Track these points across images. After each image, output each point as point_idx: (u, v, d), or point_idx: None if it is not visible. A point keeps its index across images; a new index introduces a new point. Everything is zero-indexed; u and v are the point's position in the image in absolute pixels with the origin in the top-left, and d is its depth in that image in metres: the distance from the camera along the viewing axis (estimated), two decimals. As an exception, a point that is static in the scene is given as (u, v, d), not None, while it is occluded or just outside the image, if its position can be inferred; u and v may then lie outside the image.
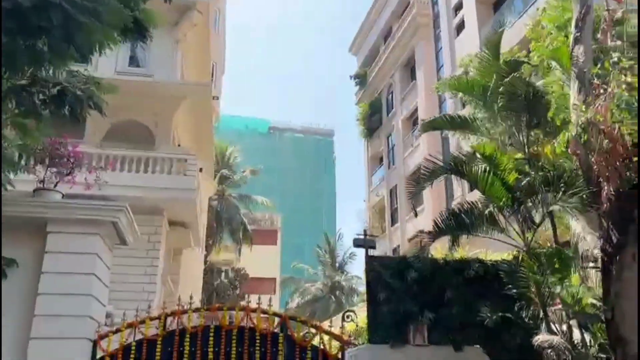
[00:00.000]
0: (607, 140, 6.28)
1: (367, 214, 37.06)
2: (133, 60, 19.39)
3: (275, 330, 8.47)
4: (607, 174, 6.35)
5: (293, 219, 59.46)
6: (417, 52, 32.03)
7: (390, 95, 35.37)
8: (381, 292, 8.73)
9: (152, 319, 8.22)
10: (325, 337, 8.56)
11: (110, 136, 16.99)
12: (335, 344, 8.70)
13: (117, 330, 8.08)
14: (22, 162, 8.33)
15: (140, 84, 17.25)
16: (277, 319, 8.57)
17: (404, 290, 8.79)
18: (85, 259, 7.74)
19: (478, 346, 8.87)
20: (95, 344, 7.83)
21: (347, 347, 8.99)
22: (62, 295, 7.44)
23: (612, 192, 6.38)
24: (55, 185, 8.38)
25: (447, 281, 8.97)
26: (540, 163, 8.56)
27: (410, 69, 33.75)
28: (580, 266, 8.02)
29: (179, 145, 19.86)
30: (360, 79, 39.20)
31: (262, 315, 8.56)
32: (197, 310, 8.41)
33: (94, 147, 15.90)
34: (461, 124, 9.81)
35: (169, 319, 8.23)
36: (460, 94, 11.22)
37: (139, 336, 8.12)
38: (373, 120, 36.33)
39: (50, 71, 7.45)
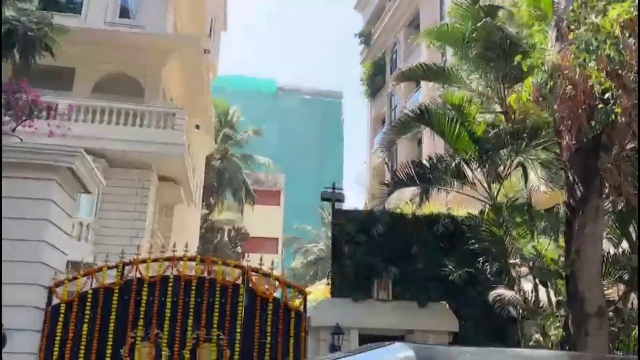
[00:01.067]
0: (570, 86, 5.88)
1: (368, 175, 36.68)
2: (124, 12, 18.94)
3: (237, 282, 8.33)
4: (569, 121, 5.98)
5: (299, 180, 59.28)
6: (422, 10, 31.14)
7: (394, 55, 34.52)
8: (346, 246, 8.52)
9: (109, 267, 8.10)
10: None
11: (100, 88, 16.74)
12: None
13: (74, 278, 7.98)
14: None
15: (128, 35, 16.87)
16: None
17: (370, 245, 8.58)
18: (40, 205, 7.59)
19: (444, 302, 8.70)
20: (50, 290, 7.76)
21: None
22: (13, 240, 7.30)
23: (573, 142, 6.03)
24: (14, 130, 8.20)
25: (414, 236, 8.74)
26: (513, 115, 8.13)
27: (414, 28, 32.84)
28: (550, 225, 7.73)
29: (171, 100, 19.55)
30: (365, 37, 38.20)
31: (225, 267, 8.46)
32: (156, 260, 8.28)
33: (82, 98, 15.71)
34: (438, 74, 9.35)
35: (127, 268, 8.13)
36: (445, 45, 10.70)
37: (96, 285, 8.04)
38: (377, 80, 35.47)
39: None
